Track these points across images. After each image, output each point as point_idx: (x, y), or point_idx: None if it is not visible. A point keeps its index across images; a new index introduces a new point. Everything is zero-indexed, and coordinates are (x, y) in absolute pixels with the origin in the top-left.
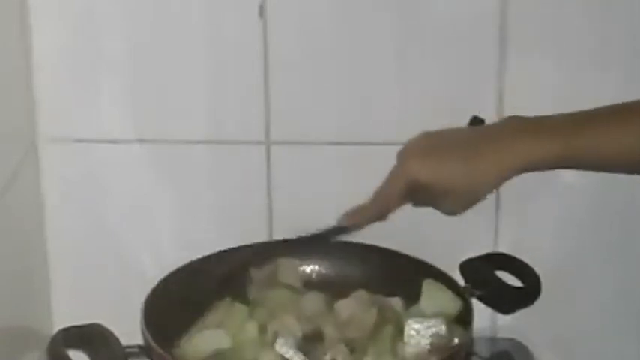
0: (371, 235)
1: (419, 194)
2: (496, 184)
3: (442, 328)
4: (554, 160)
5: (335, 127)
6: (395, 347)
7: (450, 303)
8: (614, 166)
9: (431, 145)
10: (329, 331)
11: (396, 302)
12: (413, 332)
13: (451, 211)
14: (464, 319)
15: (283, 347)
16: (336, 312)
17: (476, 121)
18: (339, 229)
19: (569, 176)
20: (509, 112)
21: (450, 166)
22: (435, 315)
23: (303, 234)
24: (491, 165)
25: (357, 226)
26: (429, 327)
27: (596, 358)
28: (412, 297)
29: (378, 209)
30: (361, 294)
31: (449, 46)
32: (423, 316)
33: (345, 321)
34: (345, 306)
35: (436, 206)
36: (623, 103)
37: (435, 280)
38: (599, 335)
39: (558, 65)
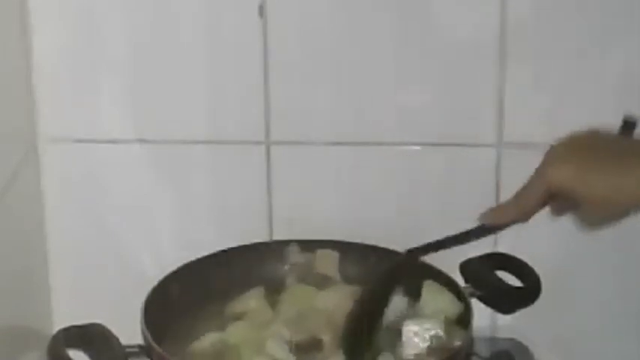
0: (371, 235)
1: (560, 200)
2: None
3: (440, 330)
4: None
5: (335, 127)
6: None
7: (450, 305)
8: None
9: (578, 149)
10: (327, 338)
11: (401, 301)
12: (411, 334)
13: (591, 223)
14: (464, 320)
15: (276, 349)
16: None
17: (628, 124)
18: (481, 230)
19: None
20: (509, 111)
21: (594, 174)
22: (434, 317)
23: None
24: (637, 181)
25: (497, 226)
26: (427, 329)
27: (596, 358)
28: (412, 297)
29: (518, 210)
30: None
31: (449, 45)
32: (422, 317)
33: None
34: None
35: (577, 215)
36: None
37: (435, 282)
38: (599, 335)
39: (558, 67)
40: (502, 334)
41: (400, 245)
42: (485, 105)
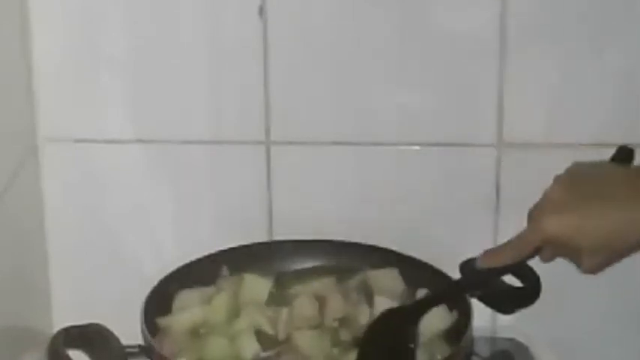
0: (371, 235)
1: (554, 249)
2: (638, 241)
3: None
4: None
5: (335, 127)
6: None
7: (443, 320)
8: None
9: (569, 197)
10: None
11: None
12: None
13: (589, 269)
14: (459, 329)
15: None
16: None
17: (623, 153)
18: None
19: None
20: (508, 110)
21: (592, 224)
22: (428, 334)
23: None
24: (630, 220)
25: (492, 269)
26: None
27: (595, 358)
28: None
29: (513, 256)
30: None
31: (449, 45)
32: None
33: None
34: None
35: (573, 261)
36: None
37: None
38: (599, 335)
39: (558, 67)
40: (502, 334)
41: (400, 245)
42: (485, 105)
